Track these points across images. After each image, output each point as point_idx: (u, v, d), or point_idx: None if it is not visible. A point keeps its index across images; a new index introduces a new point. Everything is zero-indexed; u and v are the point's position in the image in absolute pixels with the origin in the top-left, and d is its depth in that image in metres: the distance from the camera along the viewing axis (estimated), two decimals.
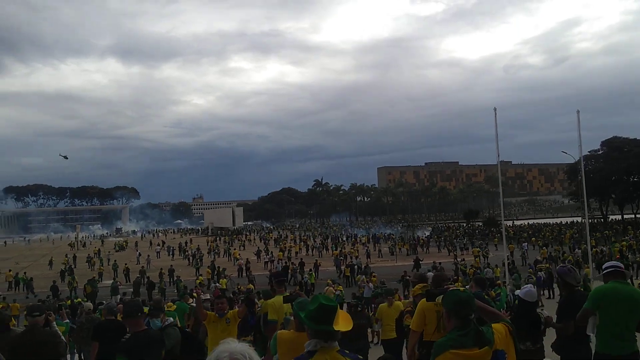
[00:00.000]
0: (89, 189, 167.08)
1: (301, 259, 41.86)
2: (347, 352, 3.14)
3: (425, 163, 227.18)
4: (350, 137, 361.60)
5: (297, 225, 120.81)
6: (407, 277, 29.31)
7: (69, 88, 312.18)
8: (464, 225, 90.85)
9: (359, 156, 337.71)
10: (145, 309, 9.09)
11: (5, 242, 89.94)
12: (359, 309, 8.25)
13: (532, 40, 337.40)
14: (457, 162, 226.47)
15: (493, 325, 3.36)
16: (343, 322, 3.14)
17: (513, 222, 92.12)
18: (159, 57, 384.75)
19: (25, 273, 38.01)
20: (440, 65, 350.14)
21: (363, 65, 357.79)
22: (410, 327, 4.88)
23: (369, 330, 10.24)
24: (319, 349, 3.04)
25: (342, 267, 35.44)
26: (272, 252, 47.88)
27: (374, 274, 29.68)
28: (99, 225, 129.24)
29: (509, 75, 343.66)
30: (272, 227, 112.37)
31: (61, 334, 4.83)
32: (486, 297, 6.07)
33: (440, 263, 35.95)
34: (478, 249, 45.84)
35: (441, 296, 3.98)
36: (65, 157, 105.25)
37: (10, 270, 39.81)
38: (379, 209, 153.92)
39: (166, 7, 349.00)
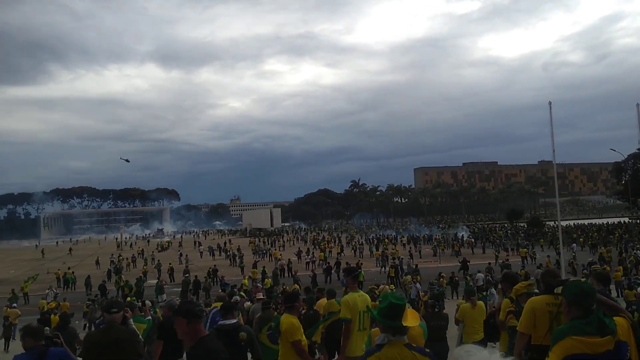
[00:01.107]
0: (131, 191, 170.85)
1: (337, 258, 41.59)
2: (414, 345, 3.45)
3: (463, 163, 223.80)
4: (386, 138, 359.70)
5: (334, 227, 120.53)
6: (456, 278, 28.74)
7: (112, 93, 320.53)
8: (506, 225, 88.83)
9: (395, 157, 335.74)
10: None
11: (57, 243, 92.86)
12: (437, 309, 7.79)
13: (572, 37, 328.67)
14: (496, 162, 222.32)
15: (614, 318, 3.38)
16: (411, 319, 3.48)
17: (557, 223, 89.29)
18: (197, 61, 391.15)
19: (72, 272, 38.93)
20: (477, 64, 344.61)
21: (398, 66, 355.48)
22: (517, 329, 4.47)
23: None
24: (387, 343, 3.38)
25: (387, 268, 34.92)
26: (313, 252, 47.68)
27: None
28: (140, 226, 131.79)
29: (548, 73, 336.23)
30: (309, 228, 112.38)
31: (139, 333, 4.63)
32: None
33: (507, 260, 35.31)
34: (525, 249, 44.59)
35: (560, 287, 3.91)
36: (127, 160, 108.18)
37: (59, 270, 40.92)
38: (417, 210, 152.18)
39: (204, 13, 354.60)
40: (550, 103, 19.85)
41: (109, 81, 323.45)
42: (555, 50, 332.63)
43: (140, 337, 4.62)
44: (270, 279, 31.25)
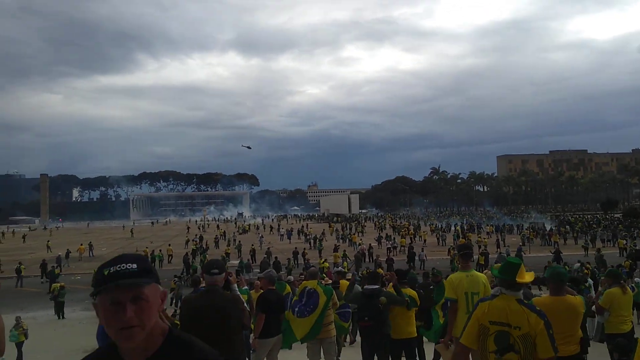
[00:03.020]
0: (214, 176, 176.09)
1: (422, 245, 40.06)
2: (527, 302, 3.72)
3: (550, 151, 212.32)
4: (467, 124, 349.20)
5: (412, 214, 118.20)
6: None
7: (195, 81, 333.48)
8: (599, 216, 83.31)
9: (476, 144, 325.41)
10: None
11: (152, 223, 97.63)
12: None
13: None
14: (586, 150, 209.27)
15: None
16: (527, 277, 3.79)
17: None
18: (276, 48, 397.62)
19: (160, 250, 40.17)
20: (567, 47, 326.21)
21: (481, 49, 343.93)
22: None
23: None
24: (500, 295, 3.73)
25: (476, 255, 33.27)
26: (394, 238, 46.61)
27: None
28: (218, 209, 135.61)
29: None
30: (385, 214, 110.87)
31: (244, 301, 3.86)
32: None
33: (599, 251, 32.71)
34: (624, 240, 41.17)
35: None
36: (249, 147, 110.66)
37: (146, 248, 42.49)
38: (500, 198, 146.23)
39: (283, 0, 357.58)
40: None
41: (193, 70, 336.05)
42: None
43: (246, 305, 3.84)
44: (346, 263, 31.06)
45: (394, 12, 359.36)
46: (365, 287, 6.87)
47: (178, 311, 11.72)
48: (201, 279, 5.28)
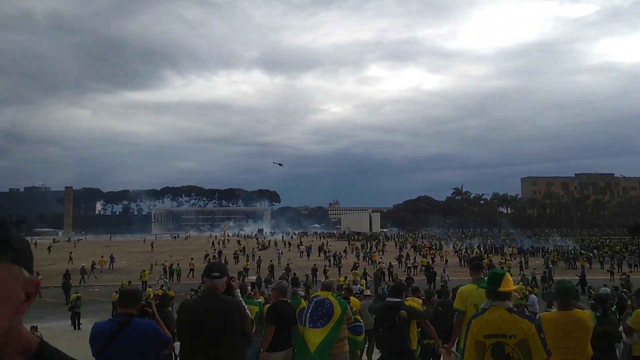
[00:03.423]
0: (236, 192, 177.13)
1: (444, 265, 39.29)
2: (516, 310, 3.86)
3: (576, 174, 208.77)
4: (490, 146, 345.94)
5: (438, 235, 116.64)
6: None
7: (220, 98, 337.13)
8: (626, 240, 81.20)
9: (500, 166, 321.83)
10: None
11: (174, 237, 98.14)
12: (598, 314, 6.13)
13: None
14: (612, 174, 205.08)
15: None
16: (509, 284, 3.93)
17: None
18: (301, 67, 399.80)
19: (178, 264, 40.16)
20: (593, 70, 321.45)
21: (505, 71, 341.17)
22: None
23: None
24: (489, 307, 3.85)
25: None
26: (415, 257, 45.94)
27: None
28: (238, 225, 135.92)
29: None
30: (408, 234, 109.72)
31: (247, 308, 3.59)
32: None
33: (626, 275, 31.58)
34: None
35: None
36: (280, 165, 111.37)
37: (165, 262, 42.58)
38: (524, 220, 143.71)
39: (308, 20, 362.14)
40: None
41: (218, 86, 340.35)
42: None
43: (248, 312, 3.58)
44: (364, 281, 30.67)
45: (418, 33, 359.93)
46: (387, 299, 6.91)
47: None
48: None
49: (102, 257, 46.12)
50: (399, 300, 6.66)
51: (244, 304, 3.58)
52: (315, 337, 6.42)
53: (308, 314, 6.55)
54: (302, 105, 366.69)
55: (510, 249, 60.76)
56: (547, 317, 4.89)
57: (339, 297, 7.54)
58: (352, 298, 9.82)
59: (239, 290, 3.68)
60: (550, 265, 43.21)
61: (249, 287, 8.69)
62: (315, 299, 6.73)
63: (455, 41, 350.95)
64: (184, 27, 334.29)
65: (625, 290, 25.37)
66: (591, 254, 53.64)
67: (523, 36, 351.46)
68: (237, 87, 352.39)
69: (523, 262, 44.91)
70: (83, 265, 38.62)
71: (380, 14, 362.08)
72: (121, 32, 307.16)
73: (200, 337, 3.43)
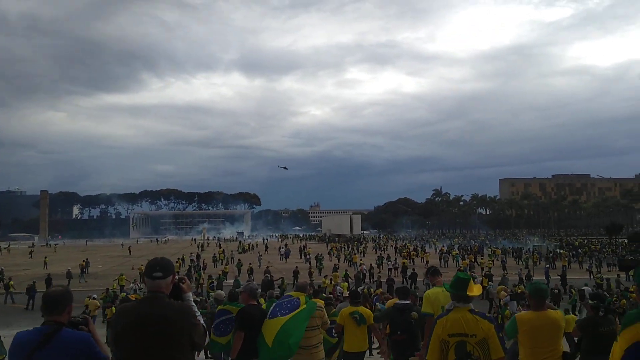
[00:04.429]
0: (215, 195, 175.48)
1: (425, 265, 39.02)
2: (477, 311, 4.11)
3: (552, 175, 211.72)
4: (469, 148, 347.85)
5: (414, 236, 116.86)
6: (556, 291, 25.79)
7: (199, 100, 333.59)
8: (603, 240, 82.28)
9: (478, 168, 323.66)
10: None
11: (153, 241, 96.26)
12: (601, 313, 5.68)
13: None
14: (589, 174, 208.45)
15: None
16: (473, 289, 4.19)
17: None
18: (280, 70, 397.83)
19: None
20: (568, 73, 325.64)
21: (483, 74, 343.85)
22: None
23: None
24: (453, 309, 4.12)
25: (480, 278, 32.35)
26: (395, 259, 45.71)
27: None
28: (219, 228, 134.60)
29: None
30: (388, 236, 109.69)
31: (199, 314, 3.02)
32: None
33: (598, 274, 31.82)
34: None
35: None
36: (285, 168, 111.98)
37: (142, 266, 41.48)
38: (502, 221, 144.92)
39: (287, 23, 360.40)
40: None
41: (196, 89, 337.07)
42: None
43: (200, 318, 3.01)
44: (346, 283, 30.18)
45: (397, 36, 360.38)
46: (396, 302, 7.11)
47: None
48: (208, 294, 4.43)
49: (83, 261, 44.73)
50: (408, 302, 6.95)
51: (195, 309, 3.01)
52: (274, 325, 5.78)
53: (271, 309, 6.03)
54: (282, 107, 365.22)
55: (490, 249, 60.93)
56: (523, 317, 4.95)
57: (313, 299, 7.00)
58: (363, 309, 7.82)
59: (190, 294, 3.11)
60: (531, 265, 43.37)
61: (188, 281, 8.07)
62: (285, 297, 6.23)
63: (434, 44, 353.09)
64: (162, 29, 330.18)
65: (602, 290, 25.44)
66: (571, 254, 54.05)
67: (500, 39, 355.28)
68: (216, 89, 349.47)
69: (505, 262, 45.30)
70: (69, 269, 37.79)
71: (359, 17, 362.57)
72: (98, 34, 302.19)
73: (143, 343, 2.85)
